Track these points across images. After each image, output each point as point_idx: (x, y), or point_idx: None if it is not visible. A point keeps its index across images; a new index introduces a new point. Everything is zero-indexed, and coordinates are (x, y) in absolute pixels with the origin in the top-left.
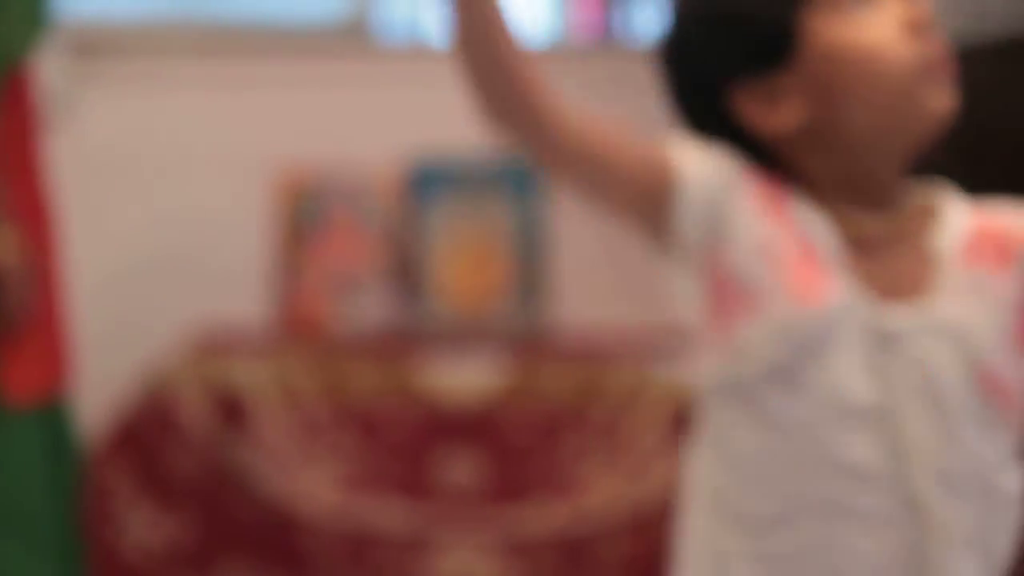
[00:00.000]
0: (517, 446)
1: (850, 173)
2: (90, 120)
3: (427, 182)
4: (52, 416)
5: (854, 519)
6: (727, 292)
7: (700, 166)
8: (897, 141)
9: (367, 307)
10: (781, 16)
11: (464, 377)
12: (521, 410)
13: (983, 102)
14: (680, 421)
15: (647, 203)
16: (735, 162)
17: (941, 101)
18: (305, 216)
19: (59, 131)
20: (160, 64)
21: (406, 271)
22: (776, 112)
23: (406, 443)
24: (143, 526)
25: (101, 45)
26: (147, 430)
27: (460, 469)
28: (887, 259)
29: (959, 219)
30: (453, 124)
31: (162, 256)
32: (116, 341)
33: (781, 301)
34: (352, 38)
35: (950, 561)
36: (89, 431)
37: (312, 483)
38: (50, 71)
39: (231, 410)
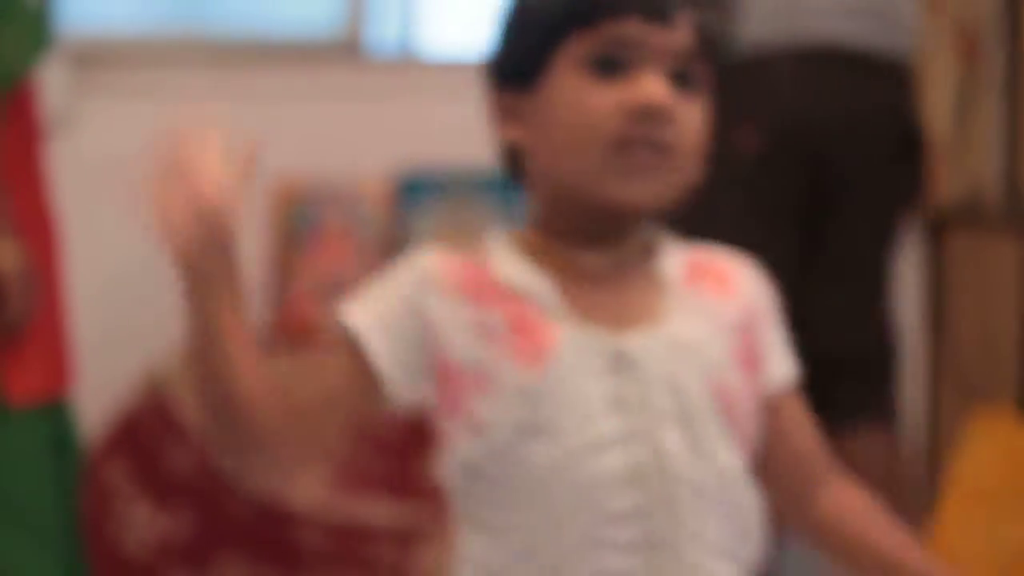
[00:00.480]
0: None
1: (563, 210)
2: (89, 129)
3: (416, 191)
4: (54, 415)
5: (614, 549)
6: (454, 380)
7: (374, 319)
8: (585, 209)
9: None
10: (535, 49)
11: None
12: None
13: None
14: None
15: (357, 394)
16: (422, 268)
17: (632, 193)
18: (298, 224)
19: (59, 140)
20: (157, 75)
21: None
22: (504, 125)
23: (394, 441)
24: (141, 522)
25: (100, 56)
26: (146, 429)
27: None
28: (616, 290)
29: (677, 252)
30: (442, 135)
31: (159, 262)
32: (115, 344)
33: (509, 369)
34: (345, 51)
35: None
36: (89, 430)
37: (304, 480)
38: (50, 82)
39: None
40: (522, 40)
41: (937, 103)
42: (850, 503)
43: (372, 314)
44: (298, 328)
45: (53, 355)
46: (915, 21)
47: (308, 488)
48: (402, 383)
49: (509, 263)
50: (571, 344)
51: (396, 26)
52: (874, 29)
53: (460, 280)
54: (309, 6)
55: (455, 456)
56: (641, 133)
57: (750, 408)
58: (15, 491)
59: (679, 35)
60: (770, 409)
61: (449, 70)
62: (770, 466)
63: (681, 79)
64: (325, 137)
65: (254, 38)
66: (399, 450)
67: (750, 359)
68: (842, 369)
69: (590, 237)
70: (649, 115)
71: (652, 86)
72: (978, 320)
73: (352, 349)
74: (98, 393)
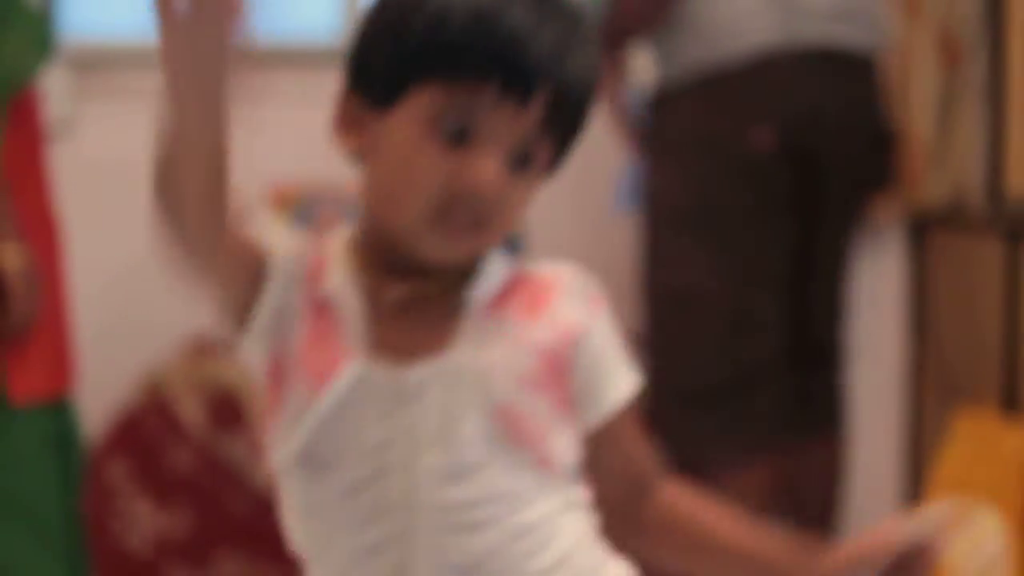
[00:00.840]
0: None
1: (379, 238)
2: (89, 132)
3: None
4: (57, 414)
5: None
6: (277, 376)
7: (281, 256)
8: (397, 247)
9: None
10: (390, 78)
11: None
12: None
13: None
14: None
15: (239, 285)
16: (297, 255)
17: (444, 253)
18: (295, 225)
19: (60, 142)
20: (156, 80)
21: None
22: (344, 130)
23: None
24: (142, 519)
25: (100, 62)
26: (146, 428)
27: None
28: (412, 320)
29: (497, 274)
30: None
31: (159, 263)
32: (116, 344)
33: (297, 386)
34: (343, 57)
35: None
36: (91, 429)
37: None
38: (52, 87)
39: (225, 408)
40: (384, 61)
41: (920, 105)
42: (681, 497)
43: (279, 253)
44: None
45: (56, 355)
46: (885, 21)
47: None
48: (257, 333)
49: (338, 271)
50: (350, 376)
51: None
52: (854, 30)
53: (305, 281)
54: (308, 13)
55: (273, 449)
56: (459, 211)
57: (547, 426)
58: (19, 489)
59: (531, 113)
60: (595, 422)
61: None
62: (600, 474)
63: (521, 159)
64: (322, 141)
65: (254, 44)
66: None
67: (554, 379)
68: (824, 358)
69: (398, 269)
70: (471, 198)
71: (485, 171)
72: (961, 321)
73: (261, 254)
74: (99, 392)
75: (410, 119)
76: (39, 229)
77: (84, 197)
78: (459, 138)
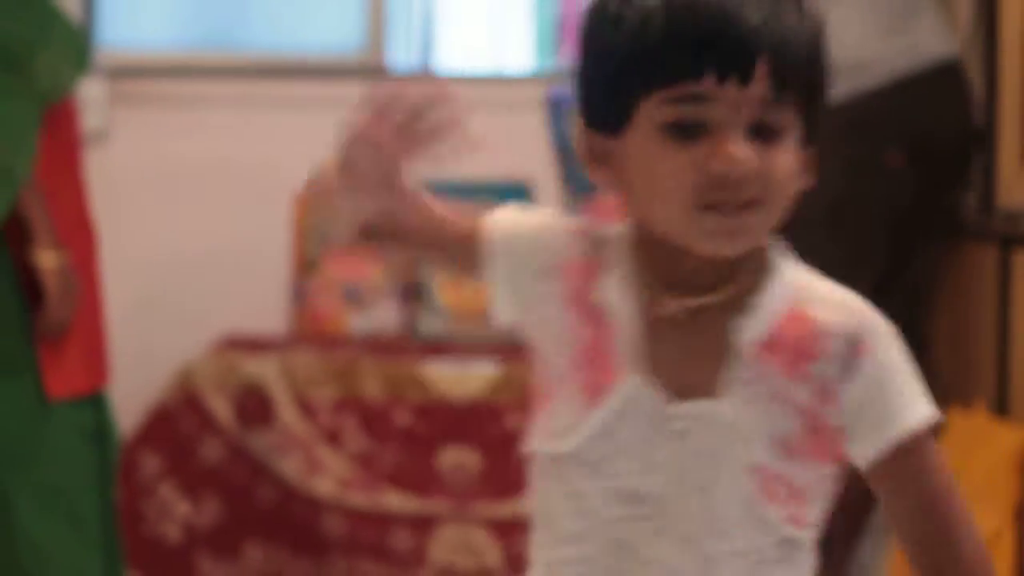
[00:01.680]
0: (508, 436)
1: (653, 254)
2: (123, 139)
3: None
4: (93, 407)
5: None
6: (544, 366)
7: (513, 246)
8: (675, 250)
9: (375, 315)
10: (613, 103)
11: (462, 376)
12: (513, 405)
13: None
14: None
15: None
16: (554, 244)
17: (720, 248)
18: (322, 232)
19: (94, 149)
20: (188, 88)
21: (411, 283)
22: (592, 166)
23: (408, 433)
24: (173, 510)
25: (133, 70)
26: (178, 421)
27: (457, 454)
28: (684, 342)
29: (772, 307)
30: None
31: (191, 264)
32: (149, 341)
33: (570, 397)
34: (367, 68)
35: None
36: (124, 423)
37: (325, 468)
38: (87, 94)
39: (254, 402)
40: (601, 92)
41: None
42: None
43: (512, 233)
44: (320, 327)
45: (91, 352)
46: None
47: (329, 474)
48: (504, 305)
49: (612, 277)
50: (628, 397)
51: (416, 39)
52: (944, 41)
53: (574, 279)
54: (333, 27)
55: (532, 441)
56: (722, 199)
57: (802, 491)
58: (58, 482)
59: (756, 87)
60: (874, 470)
61: (464, 84)
62: (895, 524)
63: (763, 129)
64: None
65: (279, 53)
66: (414, 441)
67: (815, 441)
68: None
69: (673, 282)
70: (728, 182)
71: (731, 150)
72: (953, 323)
73: (477, 241)
74: (132, 388)
75: (644, 135)
76: (75, 232)
77: (117, 201)
78: (695, 133)
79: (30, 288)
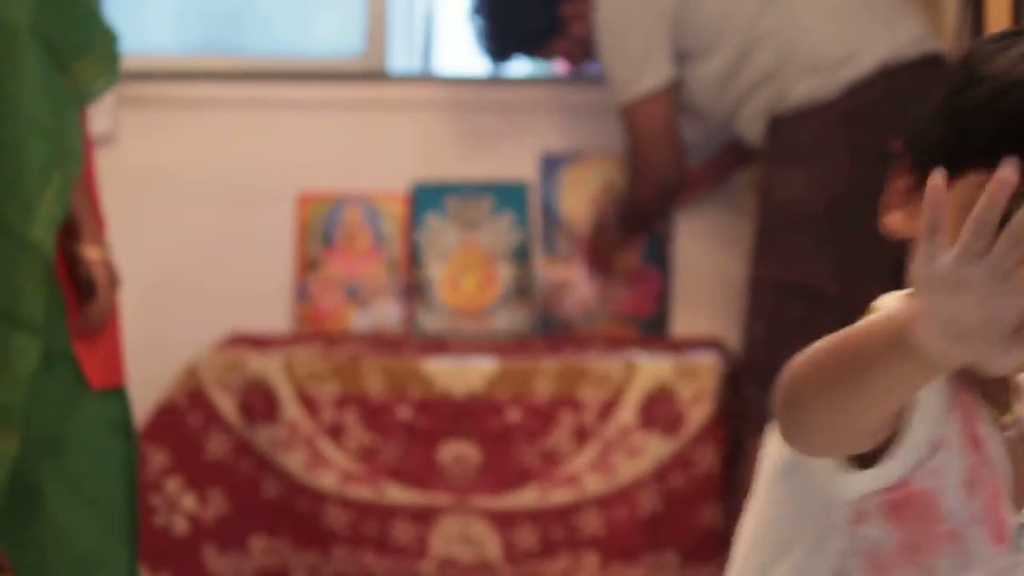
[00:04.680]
0: (507, 430)
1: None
2: (129, 141)
3: (429, 200)
4: (119, 401)
5: None
6: (916, 514)
7: (927, 407)
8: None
9: (377, 313)
10: (950, 156)
11: (462, 371)
12: (511, 400)
13: None
14: (656, 404)
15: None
16: (947, 382)
17: (1017, 364)
18: (323, 230)
19: (101, 151)
20: (191, 92)
21: (412, 281)
22: (891, 206)
23: (409, 427)
24: (180, 504)
25: (138, 73)
26: (184, 417)
27: (457, 448)
28: (1018, 463)
29: None
30: (455, 148)
31: (196, 264)
32: (155, 340)
33: (980, 540)
34: (368, 71)
35: None
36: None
37: (329, 462)
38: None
39: (259, 400)
40: (937, 141)
41: None
42: None
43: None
44: (319, 324)
45: (117, 347)
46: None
47: (332, 468)
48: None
49: (983, 412)
50: (1016, 532)
51: (415, 45)
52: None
53: (964, 414)
54: (335, 30)
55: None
56: None
57: None
58: (88, 472)
59: None
60: None
61: (463, 87)
62: None
63: None
64: (348, 149)
65: (280, 57)
66: (415, 434)
67: None
68: None
69: (995, 400)
70: None
71: None
72: None
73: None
74: (138, 384)
75: (955, 204)
76: (98, 231)
77: (123, 203)
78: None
79: (67, 282)
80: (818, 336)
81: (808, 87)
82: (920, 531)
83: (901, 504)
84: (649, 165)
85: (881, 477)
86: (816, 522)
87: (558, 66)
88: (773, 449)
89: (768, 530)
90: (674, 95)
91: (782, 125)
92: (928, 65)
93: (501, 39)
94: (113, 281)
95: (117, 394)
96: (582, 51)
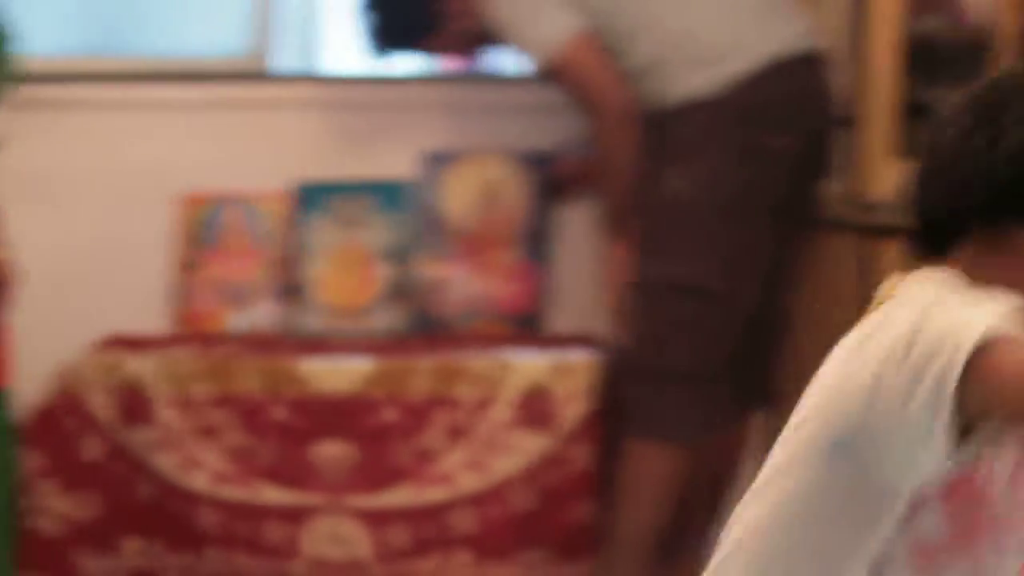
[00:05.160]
0: (382, 429)
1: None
2: (19, 143)
3: (311, 200)
4: (4, 400)
5: None
6: (971, 499)
7: None
8: None
9: (255, 314)
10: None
11: (337, 371)
12: (387, 399)
13: None
14: (531, 402)
15: None
16: None
17: None
18: (203, 231)
19: None
20: (73, 93)
21: (291, 281)
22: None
23: (284, 427)
24: (54, 505)
25: (32, 78)
26: (59, 420)
27: (332, 447)
28: None
29: None
30: (338, 147)
31: (73, 266)
32: (30, 343)
33: (1021, 526)
34: (250, 71)
35: None
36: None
37: (202, 463)
38: None
39: (133, 402)
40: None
41: None
42: None
43: None
44: (200, 327)
45: (5, 347)
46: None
47: (205, 470)
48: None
49: None
50: None
51: (299, 45)
52: (802, 31)
53: None
54: (220, 31)
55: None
56: None
57: None
58: None
59: None
60: None
61: (346, 86)
62: None
63: None
64: (232, 149)
65: (163, 57)
66: (289, 435)
67: None
68: (773, 351)
69: None
70: None
71: None
72: (817, 312)
73: None
74: (16, 387)
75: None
76: None
77: (4, 205)
78: None
79: None
80: (704, 333)
81: (694, 81)
82: (971, 517)
83: (959, 488)
84: (604, 107)
85: (966, 451)
86: (866, 508)
87: (444, 64)
88: (811, 434)
89: (794, 516)
90: (596, 40)
91: (667, 119)
92: (813, 63)
93: (387, 33)
94: (11, 280)
95: (2, 396)
96: (467, 44)
